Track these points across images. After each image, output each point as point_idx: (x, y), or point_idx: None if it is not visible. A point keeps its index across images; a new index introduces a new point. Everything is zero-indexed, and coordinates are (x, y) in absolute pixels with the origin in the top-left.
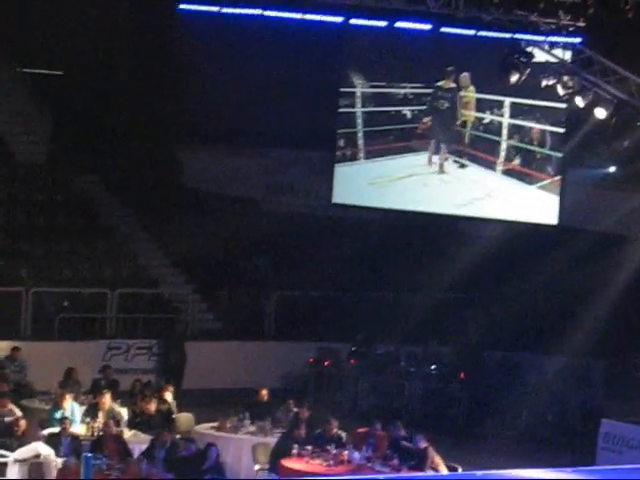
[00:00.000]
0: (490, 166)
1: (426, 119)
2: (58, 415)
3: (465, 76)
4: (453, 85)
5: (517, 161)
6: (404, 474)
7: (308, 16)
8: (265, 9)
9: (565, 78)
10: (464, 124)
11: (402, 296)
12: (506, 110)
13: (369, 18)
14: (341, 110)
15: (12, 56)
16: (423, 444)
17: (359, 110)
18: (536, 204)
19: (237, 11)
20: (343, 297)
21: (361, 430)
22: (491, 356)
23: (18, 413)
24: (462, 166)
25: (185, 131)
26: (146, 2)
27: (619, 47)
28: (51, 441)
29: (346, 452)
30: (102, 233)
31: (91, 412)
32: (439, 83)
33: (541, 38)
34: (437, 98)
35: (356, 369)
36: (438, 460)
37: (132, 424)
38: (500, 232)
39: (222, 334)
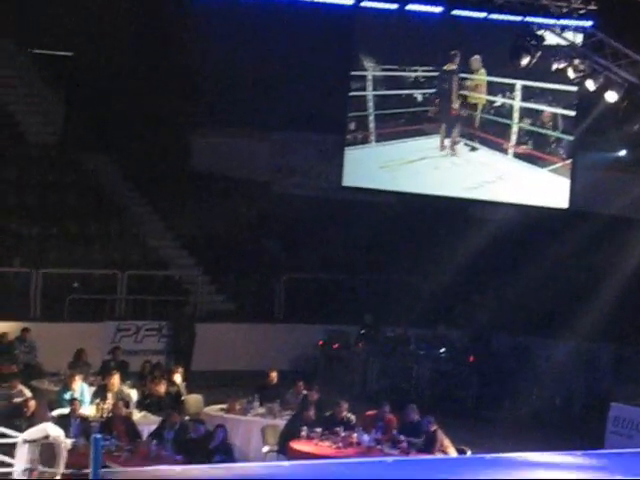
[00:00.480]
0: (501, 149)
1: (437, 102)
2: (67, 396)
3: (476, 59)
4: (454, 67)
5: (528, 144)
6: (413, 456)
7: None
8: None
9: (576, 61)
10: (474, 107)
11: (412, 279)
12: (517, 93)
13: (380, 0)
14: (352, 93)
15: (23, 37)
16: (432, 427)
17: (370, 93)
18: (547, 187)
19: None
20: (353, 280)
21: (370, 412)
22: (500, 340)
23: (28, 394)
24: (473, 149)
25: (196, 114)
26: None
27: (630, 30)
28: (60, 422)
29: (355, 434)
30: (112, 214)
31: (100, 393)
32: (444, 66)
33: (552, 21)
34: (441, 81)
35: (365, 352)
36: (447, 443)
37: (141, 405)
38: (511, 215)
39: (232, 316)
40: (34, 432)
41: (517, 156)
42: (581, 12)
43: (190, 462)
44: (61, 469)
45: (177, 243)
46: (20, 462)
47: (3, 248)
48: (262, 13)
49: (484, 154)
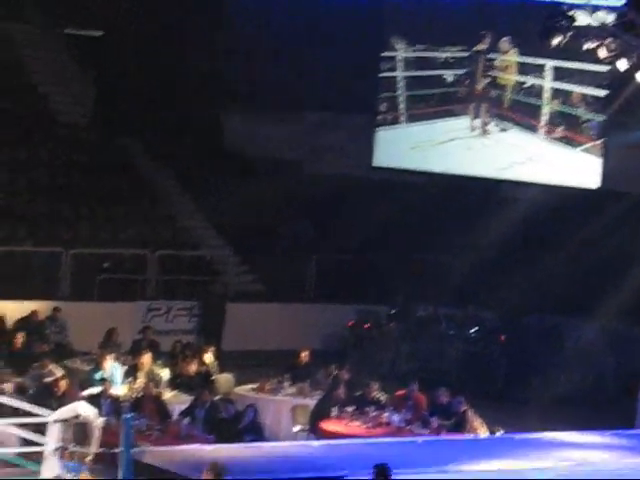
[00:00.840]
0: (532, 130)
1: (467, 83)
2: (98, 376)
3: (504, 41)
4: (482, 47)
5: (559, 125)
6: (443, 437)
7: None
8: None
9: (607, 41)
10: (504, 88)
11: (442, 259)
12: (548, 74)
13: None
14: (382, 74)
15: (53, 18)
16: (462, 407)
17: (400, 74)
18: (578, 167)
19: None
20: (383, 260)
21: (400, 392)
22: (530, 320)
23: (58, 373)
24: (504, 130)
25: (227, 94)
26: None
27: None
28: (91, 402)
29: (385, 414)
30: (143, 194)
31: (131, 373)
32: (475, 47)
33: (583, 1)
34: (471, 62)
35: (395, 332)
36: (477, 423)
37: (172, 385)
38: (541, 195)
39: (262, 296)
40: (65, 411)
41: (548, 136)
42: None
43: (220, 441)
44: (93, 448)
45: (208, 223)
46: (51, 441)
47: (33, 228)
48: None
49: (515, 135)
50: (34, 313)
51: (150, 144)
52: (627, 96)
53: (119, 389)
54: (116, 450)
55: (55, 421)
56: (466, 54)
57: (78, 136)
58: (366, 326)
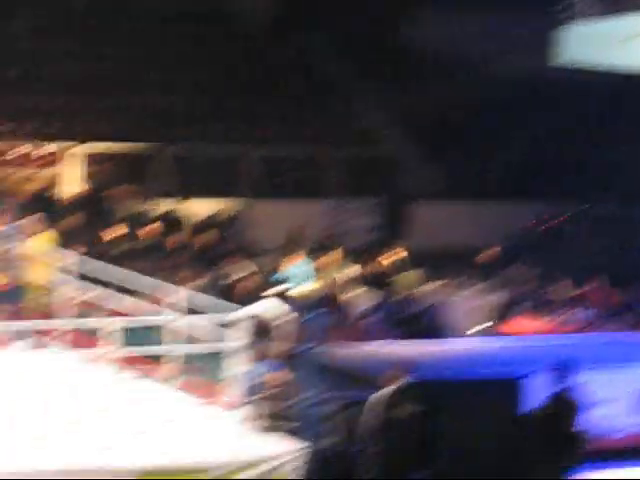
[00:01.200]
0: None
1: None
2: (283, 274)
3: None
4: None
5: None
6: (633, 333)
7: None
8: None
9: None
10: None
11: (630, 156)
12: None
13: None
14: None
15: None
16: None
17: None
18: None
19: None
20: (571, 157)
21: (589, 289)
22: None
23: (244, 272)
24: None
25: None
26: None
27: None
28: (276, 301)
29: (573, 311)
30: (327, 93)
31: (316, 271)
32: None
33: None
34: None
35: (583, 229)
36: None
37: (357, 283)
38: None
39: (447, 194)
40: (250, 309)
41: None
42: None
43: (404, 339)
44: (278, 346)
45: (393, 122)
46: (236, 339)
47: (221, 127)
48: None
49: None
50: (220, 212)
51: (334, 41)
52: None
53: (304, 287)
54: (300, 348)
55: (240, 319)
56: None
57: (261, 36)
58: (552, 224)
